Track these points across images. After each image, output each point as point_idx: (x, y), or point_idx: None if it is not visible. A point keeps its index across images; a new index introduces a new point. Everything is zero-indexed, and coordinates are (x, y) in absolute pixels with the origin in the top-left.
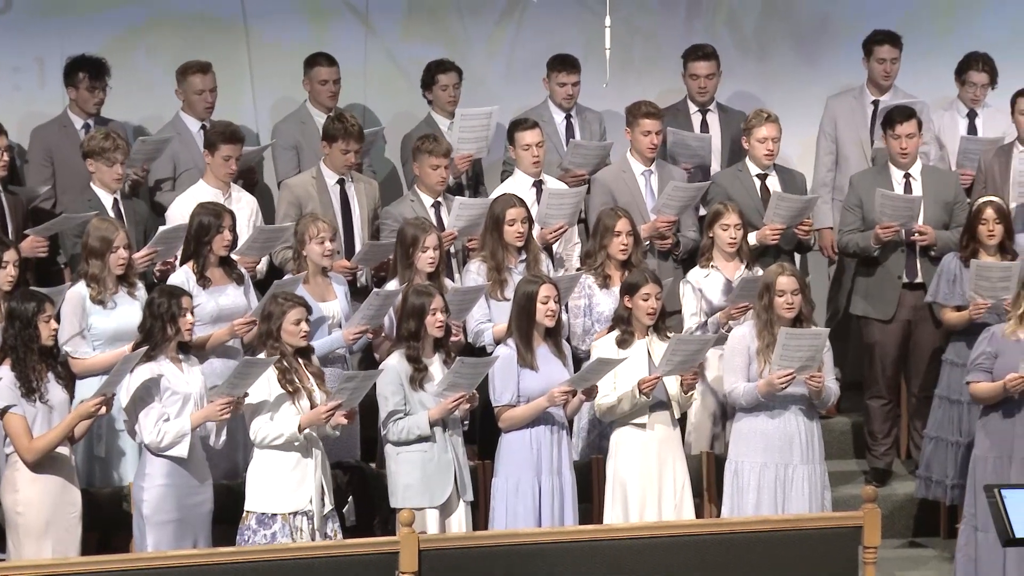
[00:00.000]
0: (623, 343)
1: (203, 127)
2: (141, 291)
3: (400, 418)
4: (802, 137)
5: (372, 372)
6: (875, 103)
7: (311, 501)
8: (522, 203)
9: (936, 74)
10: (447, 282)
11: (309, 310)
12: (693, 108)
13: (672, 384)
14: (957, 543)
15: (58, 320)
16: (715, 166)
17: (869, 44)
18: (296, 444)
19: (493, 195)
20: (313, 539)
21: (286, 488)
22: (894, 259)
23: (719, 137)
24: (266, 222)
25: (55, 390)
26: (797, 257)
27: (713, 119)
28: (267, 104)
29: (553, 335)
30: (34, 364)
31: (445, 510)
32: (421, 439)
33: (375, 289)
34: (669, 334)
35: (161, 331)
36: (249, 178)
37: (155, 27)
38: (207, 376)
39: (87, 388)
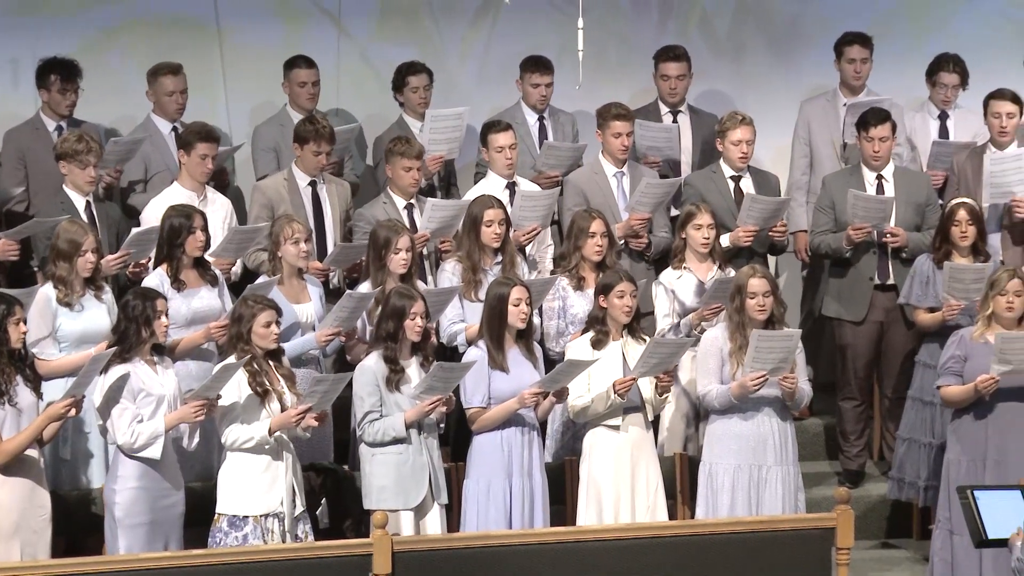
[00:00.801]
0: (598, 344)
1: (174, 129)
2: (108, 295)
3: (376, 419)
4: (775, 139)
5: (343, 375)
6: (847, 105)
7: (282, 503)
8: (500, 204)
9: (908, 76)
10: (419, 284)
11: (279, 313)
12: (664, 109)
13: (646, 386)
14: (932, 547)
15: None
16: (685, 168)
17: (840, 45)
18: (267, 447)
19: (466, 197)
20: (284, 541)
21: (257, 490)
22: (866, 261)
23: (690, 138)
24: (240, 224)
25: (24, 393)
26: (771, 259)
27: (684, 120)
28: (239, 106)
29: (524, 337)
30: (3, 367)
31: (420, 512)
32: (396, 441)
33: (348, 291)
34: (644, 336)
35: (136, 333)
36: (220, 180)
37: (128, 29)
38: (182, 378)
39: (53, 390)
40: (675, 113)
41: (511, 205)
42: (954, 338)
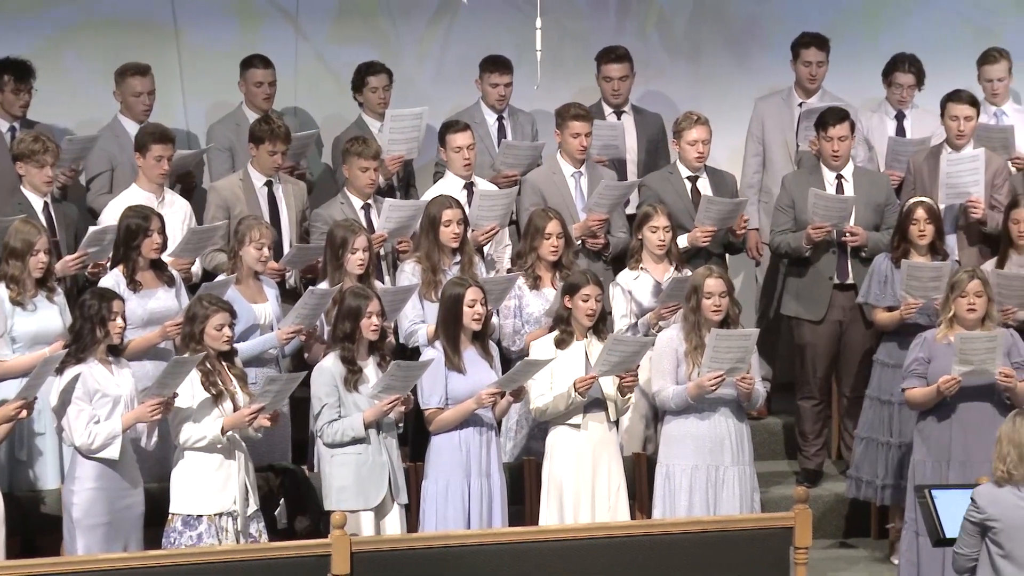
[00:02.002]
0: (561, 343)
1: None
2: (60, 297)
3: (335, 420)
4: (732, 139)
5: (295, 375)
6: (802, 105)
7: (235, 502)
8: (458, 204)
9: (864, 76)
10: (377, 284)
11: (234, 315)
12: (608, 110)
13: (609, 385)
14: (899, 548)
15: None
16: (631, 167)
17: (796, 47)
18: (219, 446)
19: (425, 197)
20: (238, 540)
21: (210, 489)
22: (825, 260)
23: (634, 138)
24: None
25: None
26: (729, 259)
27: (628, 120)
28: (198, 106)
29: (480, 337)
30: None
31: (379, 512)
32: (356, 441)
33: (310, 288)
34: (608, 335)
35: (91, 333)
36: (187, 182)
37: (85, 30)
38: (139, 378)
39: (7, 390)
40: (619, 114)
41: (469, 205)
42: (918, 340)
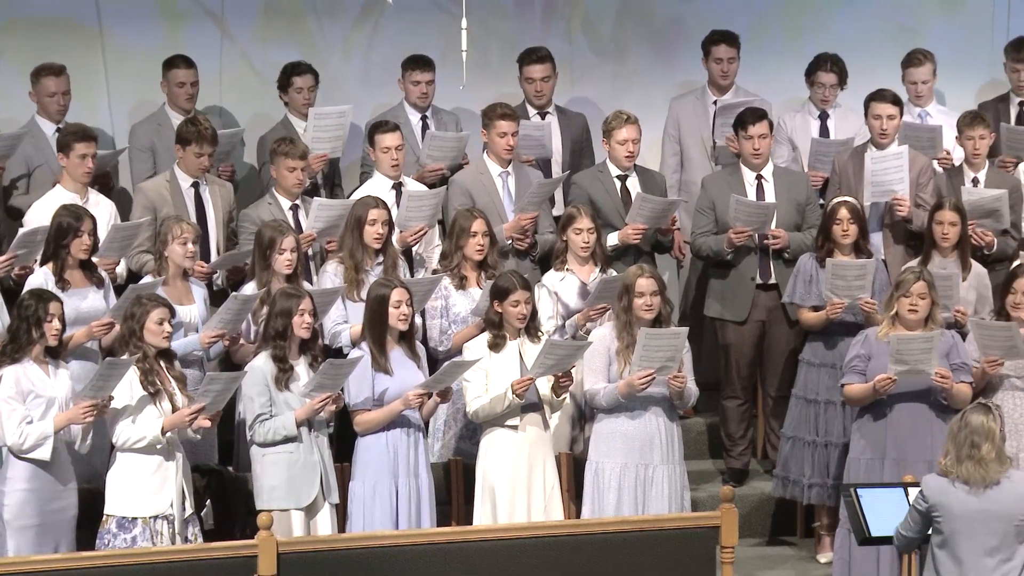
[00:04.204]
0: (495, 346)
1: (59, 130)
2: None
3: (266, 419)
4: (656, 139)
5: (237, 374)
6: (716, 103)
7: (172, 505)
8: (384, 205)
9: (788, 75)
10: (305, 284)
11: (173, 312)
12: (532, 111)
13: (544, 385)
14: (834, 545)
15: None
16: (555, 169)
17: (707, 44)
18: (158, 447)
19: (352, 197)
20: (173, 543)
21: (147, 491)
22: (747, 261)
23: (558, 139)
24: None
25: None
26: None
27: (552, 121)
28: (122, 107)
29: (407, 338)
30: None
31: (310, 512)
32: (287, 440)
33: (233, 293)
34: (541, 333)
35: (26, 333)
36: (104, 183)
37: (8, 30)
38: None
39: None
40: (543, 115)
41: (397, 206)
42: (859, 337)
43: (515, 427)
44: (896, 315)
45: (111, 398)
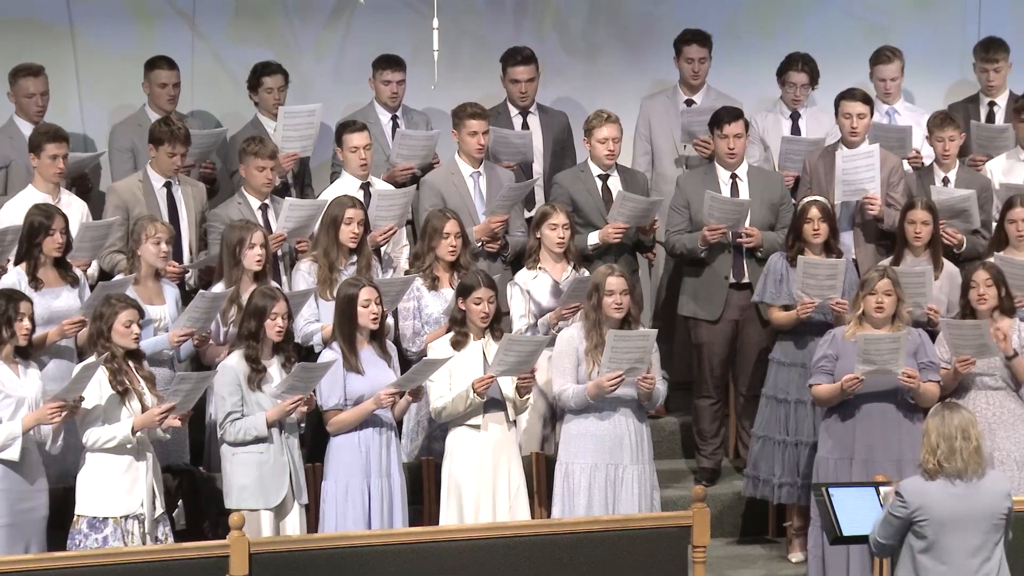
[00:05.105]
0: (457, 344)
1: None
2: None
3: (238, 419)
4: (629, 137)
5: (206, 374)
6: (688, 102)
7: (142, 504)
8: (361, 205)
9: (759, 75)
10: (272, 283)
11: (142, 314)
12: (514, 111)
13: (508, 385)
14: (807, 544)
15: None
16: (537, 167)
17: (678, 44)
18: (128, 446)
19: (322, 197)
20: (144, 543)
21: (117, 491)
22: (721, 260)
23: (541, 138)
24: None
25: None
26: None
27: (534, 121)
28: (94, 107)
29: (377, 337)
30: None
31: (280, 512)
32: (258, 440)
33: (201, 291)
34: (502, 333)
35: None
36: (82, 184)
37: None
38: (42, 377)
39: None
40: (525, 114)
41: (366, 206)
42: (827, 337)
43: (477, 427)
44: (863, 314)
45: (81, 398)
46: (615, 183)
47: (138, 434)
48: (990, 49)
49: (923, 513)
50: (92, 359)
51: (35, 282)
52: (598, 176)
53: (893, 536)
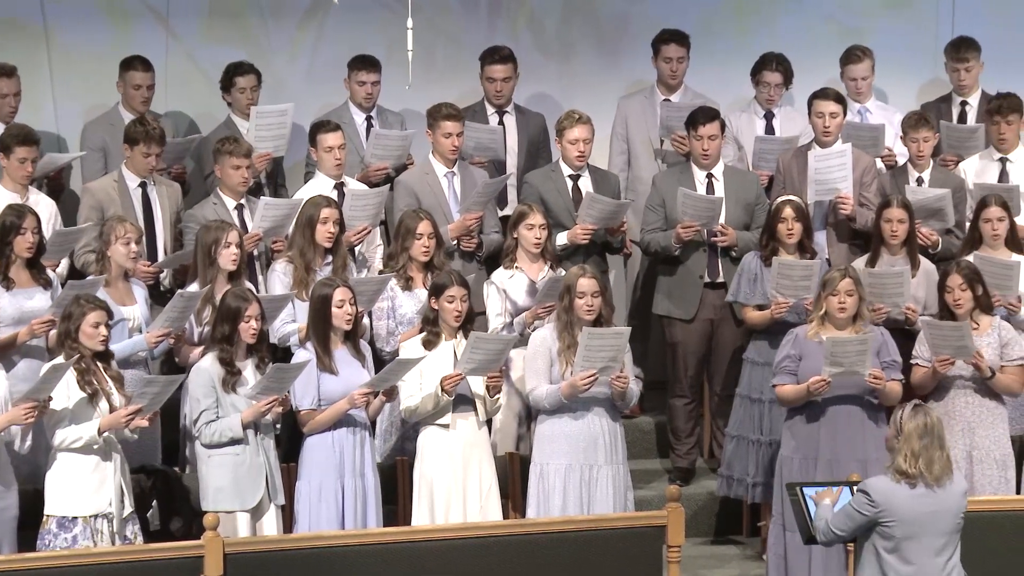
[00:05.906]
0: (429, 344)
1: None
2: None
3: (212, 420)
4: (604, 138)
5: (174, 377)
6: (666, 102)
7: (111, 503)
8: (336, 204)
9: (733, 75)
10: (247, 285)
11: (111, 315)
12: (490, 110)
13: (477, 384)
14: (768, 542)
15: None
16: (511, 166)
17: (656, 43)
18: (96, 447)
19: (296, 196)
20: (113, 542)
21: (86, 491)
22: (695, 259)
23: (515, 138)
24: (71, 226)
25: None
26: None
27: (510, 121)
28: (68, 106)
29: (351, 337)
30: None
31: (256, 513)
32: (233, 442)
33: (179, 291)
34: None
35: None
36: (55, 184)
37: None
38: (11, 378)
39: None
40: (501, 114)
41: (341, 205)
42: (789, 337)
43: (447, 426)
44: (825, 314)
45: (50, 399)
46: (586, 183)
47: (105, 434)
48: (961, 48)
49: (889, 515)
50: (60, 360)
51: (6, 282)
52: (569, 176)
53: (851, 530)
